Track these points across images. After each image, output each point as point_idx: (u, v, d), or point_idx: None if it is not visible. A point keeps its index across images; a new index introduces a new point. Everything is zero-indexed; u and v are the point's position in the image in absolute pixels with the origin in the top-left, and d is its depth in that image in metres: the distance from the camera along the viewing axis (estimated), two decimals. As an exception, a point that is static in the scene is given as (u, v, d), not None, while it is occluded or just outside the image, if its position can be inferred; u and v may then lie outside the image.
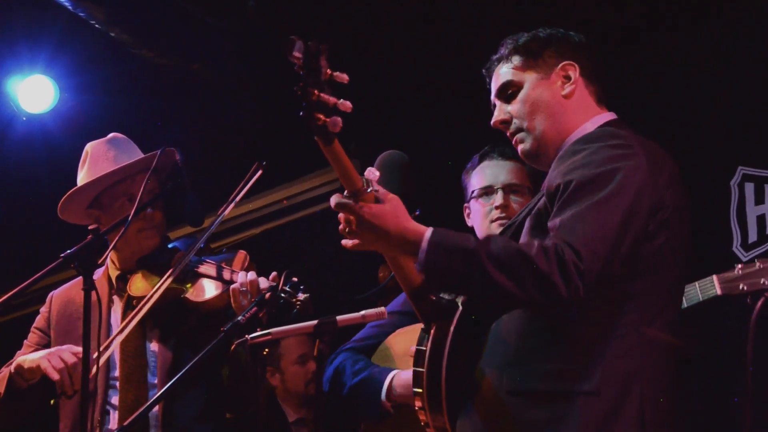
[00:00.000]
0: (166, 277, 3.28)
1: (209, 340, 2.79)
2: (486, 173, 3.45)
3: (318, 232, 5.57)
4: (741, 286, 3.18)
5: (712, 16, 4.42)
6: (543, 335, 2.38)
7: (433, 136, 5.04)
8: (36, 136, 5.33)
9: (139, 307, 3.27)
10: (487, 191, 3.41)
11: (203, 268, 3.36)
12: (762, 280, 3.14)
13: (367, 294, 3.25)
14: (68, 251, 2.90)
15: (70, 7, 4.63)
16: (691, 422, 4.01)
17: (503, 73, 2.71)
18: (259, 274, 3.26)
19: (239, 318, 2.68)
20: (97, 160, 3.59)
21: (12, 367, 3.36)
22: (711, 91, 4.37)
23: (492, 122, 2.73)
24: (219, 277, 3.31)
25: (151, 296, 3.25)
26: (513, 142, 2.71)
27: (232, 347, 2.70)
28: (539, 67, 2.66)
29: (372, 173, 2.41)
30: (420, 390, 2.49)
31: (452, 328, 2.46)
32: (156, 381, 3.33)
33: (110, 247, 3.06)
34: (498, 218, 3.37)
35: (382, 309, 2.87)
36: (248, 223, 6.13)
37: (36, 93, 5.14)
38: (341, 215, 2.38)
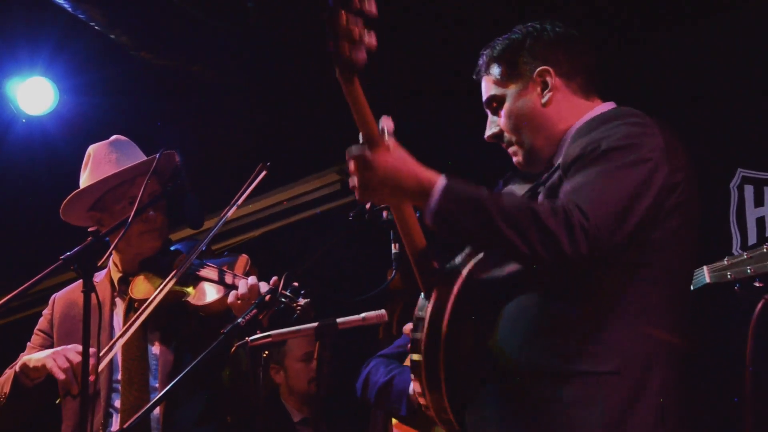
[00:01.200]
0: (167, 280, 3.28)
1: (210, 343, 2.79)
2: None
3: (318, 233, 5.57)
4: (728, 275, 3.25)
5: (712, 17, 4.43)
6: (563, 315, 2.34)
7: (432, 135, 5.04)
8: (36, 137, 5.33)
9: (141, 310, 3.27)
10: None
11: (205, 272, 3.36)
12: (748, 269, 3.20)
13: (368, 295, 3.25)
14: (68, 253, 2.90)
15: (69, 9, 4.63)
16: (691, 422, 4.02)
17: (485, 86, 2.70)
18: (259, 277, 3.27)
19: (239, 320, 2.68)
20: (99, 163, 3.59)
21: (17, 367, 3.36)
22: (710, 93, 4.37)
23: (485, 137, 2.72)
24: (221, 281, 3.31)
25: (153, 300, 3.25)
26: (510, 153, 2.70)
27: (233, 349, 2.70)
28: (517, 77, 2.62)
29: (387, 122, 2.37)
30: (418, 358, 2.41)
31: (455, 293, 2.40)
32: (157, 384, 3.34)
33: (110, 249, 3.05)
34: None
35: (382, 311, 2.88)
36: (248, 225, 6.13)
37: (35, 95, 5.14)
38: (353, 165, 2.34)
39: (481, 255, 2.45)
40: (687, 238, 2.40)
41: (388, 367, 3.36)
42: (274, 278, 3.09)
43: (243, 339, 2.70)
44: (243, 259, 3.42)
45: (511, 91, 2.62)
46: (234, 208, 3.38)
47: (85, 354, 2.79)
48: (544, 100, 2.58)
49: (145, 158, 3.56)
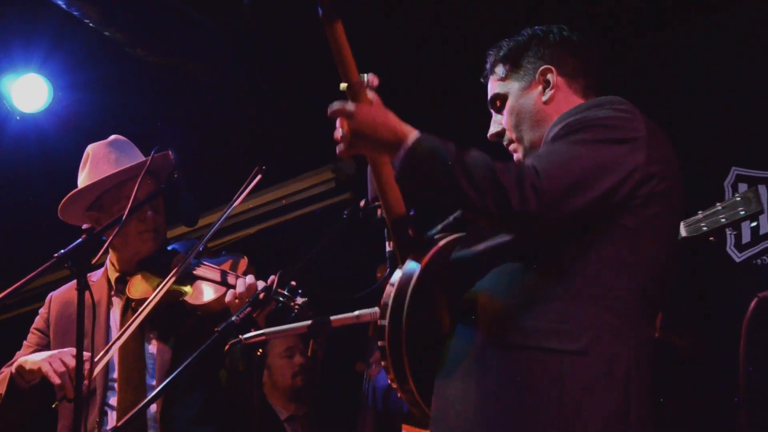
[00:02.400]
0: (165, 281, 3.28)
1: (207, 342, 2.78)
2: None
3: (313, 231, 5.58)
4: (703, 227, 3.27)
5: (706, 17, 4.44)
6: (533, 293, 2.36)
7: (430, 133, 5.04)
8: (30, 135, 5.33)
9: (139, 311, 3.27)
10: None
11: (202, 271, 3.36)
12: (721, 218, 3.26)
13: (363, 293, 3.25)
14: (62, 251, 2.89)
15: (64, 6, 4.62)
16: (691, 422, 4.03)
17: (490, 86, 2.74)
18: (256, 275, 3.26)
19: (233, 318, 2.68)
20: (98, 163, 3.59)
21: (13, 368, 3.36)
22: (705, 92, 4.38)
23: (488, 135, 2.75)
24: (219, 280, 3.31)
25: (151, 300, 3.25)
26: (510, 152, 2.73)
27: (226, 347, 2.70)
28: (520, 75, 2.68)
29: (372, 77, 2.40)
30: (383, 324, 2.46)
31: (425, 263, 2.44)
32: (154, 383, 3.34)
33: (104, 246, 3.05)
34: None
35: (376, 309, 2.87)
36: (244, 222, 6.13)
37: (30, 92, 5.14)
38: (336, 116, 2.38)
39: (458, 233, 2.49)
40: (663, 227, 2.42)
41: None
42: (272, 277, 3.09)
43: (236, 337, 2.69)
44: (241, 259, 3.41)
45: (515, 89, 2.68)
46: (230, 210, 3.38)
47: (78, 354, 2.78)
48: (545, 98, 2.63)
49: (144, 158, 3.56)
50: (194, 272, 3.35)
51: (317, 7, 2.23)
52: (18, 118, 5.24)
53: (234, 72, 5.18)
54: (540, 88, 2.65)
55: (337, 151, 2.41)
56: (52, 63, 5.03)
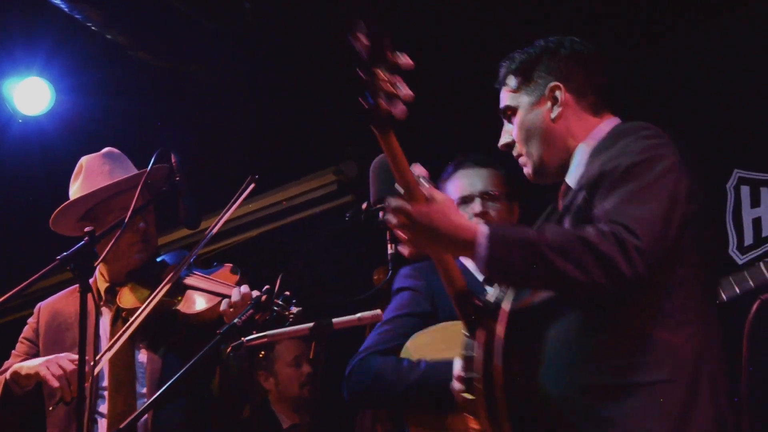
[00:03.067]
0: (157, 290, 3.27)
1: (199, 351, 2.78)
2: (463, 182, 3.46)
3: (314, 234, 5.57)
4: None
5: (708, 20, 4.44)
6: (606, 331, 2.36)
7: (430, 137, 5.05)
8: (32, 138, 5.33)
9: (130, 321, 3.27)
10: (465, 200, 3.41)
11: (194, 281, 3.36)
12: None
13: (364, 296, 3.25)
14: (64, 254, 2.90)
15: (66, 9, 4.62)
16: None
17: (502, 95, 2.77)
18: (256, 277, 3.27)
19: (235, 321, 2.68)
20: (92, 174, 3.60)
21: (7, 375, 3.36)
22: (707, 94, 4.38)
23: (498, 145, 2.78)
24: (211, 290, 3.31)
25: (142, 310, 3.25)
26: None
27: (228, 349, 2.70)
28: (530, 90, 2.70)
29: (420, 170, 2.42)
30: (473, 397, 2.46)
31: (503, 331, 2.44)
32: (144, 390, 3.34)
33: (104, 254, 3.04)
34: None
35: (378, 311, 2.87)
36: (246, 226, 6.13)
37: (32, 95, 5.14)
38: (395, 218, 2.38)
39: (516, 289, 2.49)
40: (708, 240, 2.46)
41: (406, 364, 3.32)
42: (267, 287, 3.09)
43: (238, 339, 2.69)
44: (233, 269, 3.42)
45: (525, 103, 2.70)
46: (223, 220, 3.38)
47: (81, 356, 2.79)
48: (553, 115, 2.65)
49: (137, 171, 3.57)
50: (186, 282, 3.34)
51: (369, 124, 2.28)
52: (20, 121, 5.24)
53: (236, 75, 5.18)
54: (549, 104, 2.66)
55: (403, 252, 2.44)
56: (54, 66, 5.04)
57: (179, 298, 3.33)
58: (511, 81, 2.73)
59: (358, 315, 2.90)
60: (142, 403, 3.22)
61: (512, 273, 2.32)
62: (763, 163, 4.25)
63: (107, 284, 3.52)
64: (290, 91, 5.25)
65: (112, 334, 3.35)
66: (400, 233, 2.39)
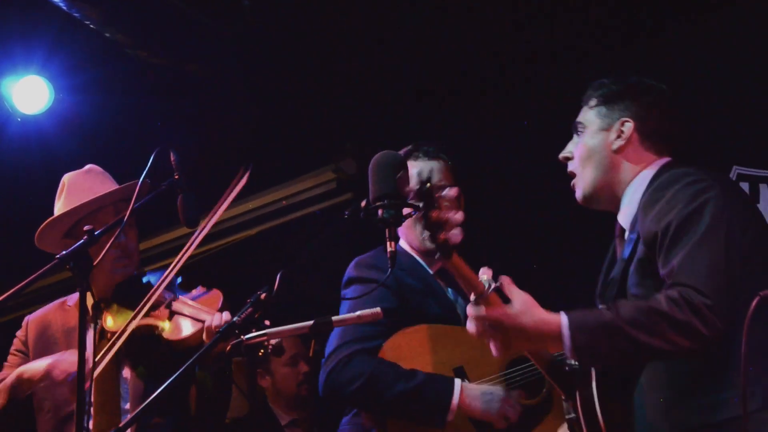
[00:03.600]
0: (135, 314, 3.31)
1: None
2: (412, 173, 3.46)
3: (314, 232, 5.57)
4: None
5: (707, 16, 4.43)
6: (695, 371, 2.55)
7: (429, 134, 5.04)
8: (31, 136, 5.32)
9: (111, 342, 3.31)
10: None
11: (179, 306, 3.39)
12: None
13: (362, 295, 3.25)
14: (63, 252, 2.90)
15: (64, 8, 4.61)
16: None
17: (581, 111, 2.96)
18: (254, 275, 3.27)
19: (235, 319, 2.68)
20: (74, 191, 3.63)
21: (10, 380, 3.38)
22: (706, 90, 4.37)
23: (559, 156, 2.97)
24: (195, 316, 3.34)
25: (123, 332, 3.29)
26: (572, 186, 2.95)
27: (228, 347, 2.70)
28: (605, 116, 2.90)
29: (487, 273, 2.60)
30: None
31: (597, 389, 2.61)
32: (128, 407, 3.38)
33: (101, 255, 3.04)
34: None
35: (377, 309, 2.87)
36: (245, 224, 6.12)
37: (31, 94, 5.12)
38: (478, 327, 2.55)
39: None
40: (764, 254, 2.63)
41: (401, 371, 3.31)
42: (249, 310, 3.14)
43: (239, 337, 2.69)
44: (216, 294, 3.46)
45: (595, 126, 2.90)
46: (215, 218, 3.38)
47: (81, 356, 2.79)
48: (614, 146, 2.86)
49: (119, 186, 3.61)
50: (171, 308, 3.38)
51: (436, 252, 2.50)
52: (19, 119, 5.23)
53: (234, 73, 5.18)
54: (614, 135, 2.86)
55: (494, 354, 2.59)
56: (52, 64, 5.02)
57: (166, 322, 3.37)
58: (592, 102, 2.93)
59: (358, 313, 2.90)
60: (125, 419, 3.26)
61: (600, 356, 2.51)
62: (762, 159, 4.26)
63: (93, 300, 3.54)
64: (289, 88, 5.25)
65: (96, 351, 3.34)
66: (486, 341, 2.57)
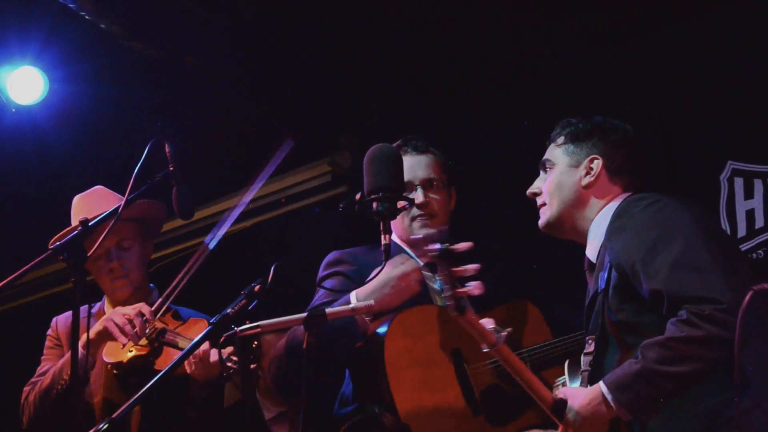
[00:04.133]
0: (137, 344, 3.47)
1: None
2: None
3: (309, 224, 5.57)
4: None
5: (703, 12, 4.43)
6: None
7: (425, 127, 5.04)
8: (25, 127, 5.31)
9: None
10: (407, 186, 3.38)
11: (171, 337, 3.49)
12: None
13: (357, 288, 3.25)
14: (57, 243, 2.90)
15: (60, -2, 4.60)
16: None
17: (548, 149, 3.11)
18: (249, 269, 3.27)
19: (228, 310, 2.68)
20: (79, 210, 3.75)
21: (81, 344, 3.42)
22: (702, 86, 4.38)
23: (527, 192, 3.13)
24: (183, 347, 3.44)
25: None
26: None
27: (221, 339, 2.70)
28: (573, 153, 3.05)
29: (491, 322, 2.78)
30: None
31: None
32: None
33: (93, 248, 3.05)
34: (419, 216, 3.48)
35: (371, 302, 2.88)
36: (239, 216, 6.10)
37: (25, 84, 5.11)
38: None
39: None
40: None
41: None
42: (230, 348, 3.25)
43: (232, 329, 2.69)
44: (203, 323, 3.56)
45: (564, 162, 3.05)
46: (259, 185, 3.45)
47: (74, 350, 2.81)
48: (584, 182, 3.01)
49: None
50: (162, 339, 3.49)
51: (453, 310, 2.67)
52: (13, 110, 5.21)
53: (230, 64, 5.17)
54: (584, 171, 3.01)
55: None
56: (47, 55, 5.01)
57: (156, 354, 3.49)
58: (560, 140, 3.08)
59: (352, 305, 2.90)
60: None
61: (648, 403, 2.64)
62: (756, 154, 4.26)
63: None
64: (285, 81, 5.24)
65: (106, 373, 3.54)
66: None
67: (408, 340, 3.28)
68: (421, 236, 3.37)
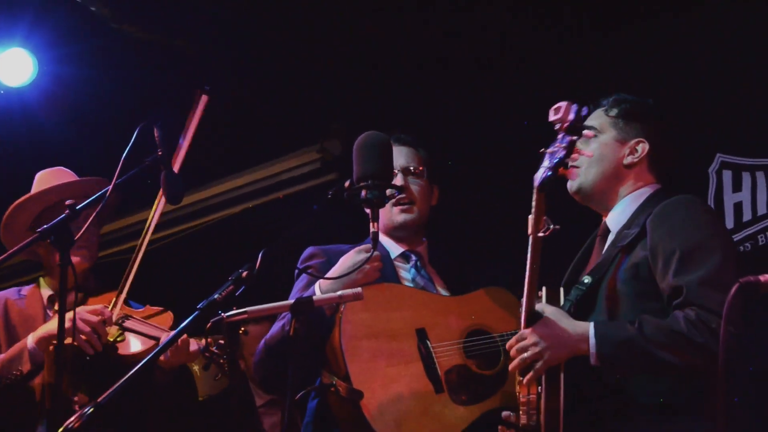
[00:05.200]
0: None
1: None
2: None
3: (297, 211, 5.56)
4: None
5: (693, 4, 4.43)
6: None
7: (416, 115, 5.04)
8: (15, 109, 5.28)
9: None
10: None
11: (131, 323, 3.48)
12: None
13: (344, 275, 3.25)
14: (44, 226, 2.89)
15: (49, -20, 4.58)
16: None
17: (596, 115, 3.12)
18: (238, 253, 3.26)
19: (215, 296, 2.67)
20: (43, 182, 3.71)
21: (30, 342, 3.40)
22: (691, 79, 4.38)
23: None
24: (147, 333, 3.45)
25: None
26: (568, 173, 3.08)
27: (208, 325, 2.70)
28: (623, 130, 3.08)
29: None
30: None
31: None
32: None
33: (82, 231, 3.03)
34: (398, 199, 3.51)
35: (359, 290, 2.88)
36: (228, 202, 6.10)
37: (14, 66, 5.09)
38: (523, 355, 2.83)
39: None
40: None
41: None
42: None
43: (219, 315, 2.68)
44: (169, 315, 3.56)
45: (611, 134, 3.08)
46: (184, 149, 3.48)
47: (60, 327, 2.80)
48: (626, 161, 3.06)
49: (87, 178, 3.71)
50: (123, 324, 3.47)
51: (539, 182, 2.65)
52: (2, 92, 5.19)
53: (220, 49, 5.15)
54: (627, 150, 3.06)
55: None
56: (37, 37, 4.98)
57: (121, 337, 3.45)
58: (613, 111, 3.10)
59: (339, 292, 2.90)
60: None
61: (620, 367, 2.78)
62: (745, 147, 4.27)
63: (50, 292, 3.65)
64: (275, 67, 5.22)
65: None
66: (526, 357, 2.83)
67: (368, 314, 3.30)
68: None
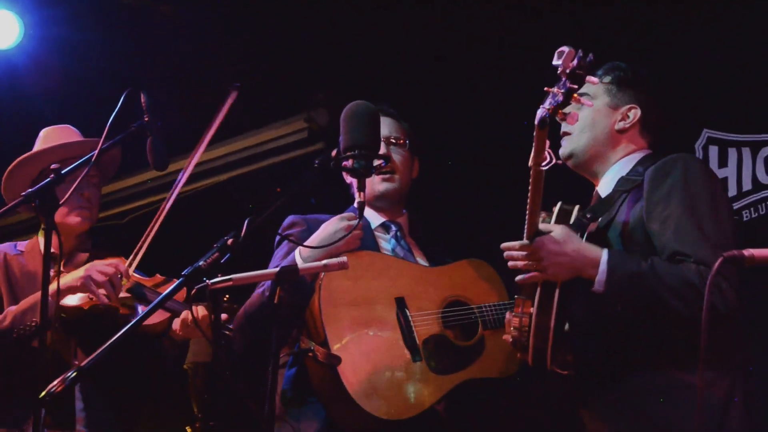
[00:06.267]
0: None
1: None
2: None
3: (284, 180, 5.56)
4: None
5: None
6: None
7: (402, 86, 5.03)
8: (0, 72, 5.25)
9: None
10: None
11: (147, 294, 3.48)
12: None
13: (331, 244, 3.26)
14: (29, 189, 2.88)
15: (35, -58, 4.54)
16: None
17: (590, 80, 2.96)
18: (224, 223, 3.26)
19: (200, 262, 2.67)
20: (46, 141, 3.70)
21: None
22: (677, 53, 4.38)
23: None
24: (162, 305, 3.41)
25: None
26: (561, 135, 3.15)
27: (193, 292, 2.70)
28: (616, 96, 3.12)
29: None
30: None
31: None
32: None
33: (67, 195, 3.02)
34: (380, 168, 3.48)
35: (344, 258, 2.88)
36: (214, 170, 6.09)
37: (0, 28, 5.04)
38: (525, 260, 2.83)
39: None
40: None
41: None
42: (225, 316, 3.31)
43: (203, 282, 2.69)
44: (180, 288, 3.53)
45: (604, 100, 3.12)
46: (206, 142, 3.40)
47: (44, 292, 2.80)
48: (618, 127, 3.10)
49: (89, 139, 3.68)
50: (138, 293, 3.47)
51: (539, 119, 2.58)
52: (-12, 54, 5.15)
53: (207, 16, 5.12)
54: (620, 116, 3.10)
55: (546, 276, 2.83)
56: (22, -1, 4.95)
57: (129, 306, 3.44)
58: (607, 78, 3.13)
59: (324, 261, 2.90)
60: None
61: (625, 299, 2.78)
62: (732, 123, 4.28)
63: (52, 250, 3.58)
64: (262, 36, 5.20)
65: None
66: (533, 271, 2.82)
67: (348, 282, 3.33)
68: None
